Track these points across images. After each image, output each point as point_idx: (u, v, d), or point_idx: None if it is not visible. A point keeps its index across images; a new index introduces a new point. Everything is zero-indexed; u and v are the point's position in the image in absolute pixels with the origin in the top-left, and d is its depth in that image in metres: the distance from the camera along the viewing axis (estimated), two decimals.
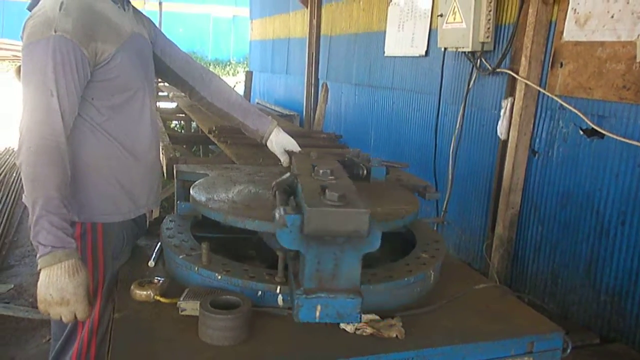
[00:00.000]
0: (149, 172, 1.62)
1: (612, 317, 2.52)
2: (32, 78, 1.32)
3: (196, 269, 1.32)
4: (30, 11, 1.39)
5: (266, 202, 1.53)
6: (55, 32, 1.30)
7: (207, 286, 1.29)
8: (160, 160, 1.76)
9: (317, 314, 1.08)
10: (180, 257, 1.38)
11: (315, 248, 1.05)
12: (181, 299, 1.23)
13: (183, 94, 1.92)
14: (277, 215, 1.07)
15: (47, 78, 1.30)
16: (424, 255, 1.44)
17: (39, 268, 1.28)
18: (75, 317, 1.31)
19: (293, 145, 1.85)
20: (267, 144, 1.88)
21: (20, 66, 1.37)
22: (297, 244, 1.06)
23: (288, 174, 1.36)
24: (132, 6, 1.61)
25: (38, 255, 1.29)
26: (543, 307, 2.85)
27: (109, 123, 1.46)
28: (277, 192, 1.30)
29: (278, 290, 1.23)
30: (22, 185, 1.33)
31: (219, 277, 1.28)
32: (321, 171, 1.31)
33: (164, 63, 1.74)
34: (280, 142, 1.86)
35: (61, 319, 1.31)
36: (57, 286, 1.26)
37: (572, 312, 2.73)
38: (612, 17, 2.42)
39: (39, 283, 1.29)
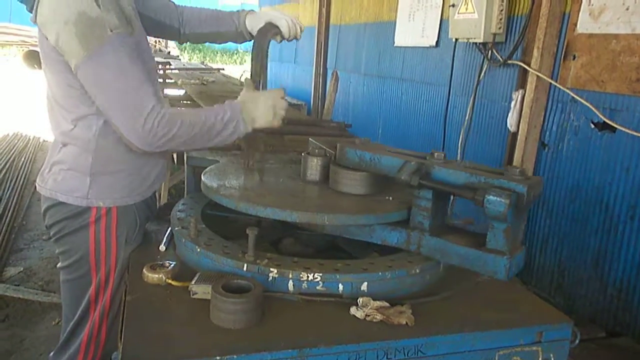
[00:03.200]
0: (162, 155, 1.61)
1: (619, 311, 2.52)
2: None
3: (183, 240, 1.38)
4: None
5: (276, 189, 1.53)
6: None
7: (217, 270, 1.30)
8: None
9: (511, 272, 1.22)
10: (176, 229, 1.43)
11: (515, 217, 1.19)
12: (193, 282, 1.24)
13: (174, 41, 1.89)
14: (493, 198, 1.17)
15: None
16: None
17: (254, 127, 1.49)
18: None
19: (275, 17, 1.68)
20: (249, 31, 1.72)
21: (28, 51, 1.37)
22: (510, 218, 1.17)
23: (413, 163, 1.31)
24: None
25: (243, 127, 1.47)
26: (549, 300, 2.85)
27: None
28: (421, 181, 1.29)
29: (245, 268, 1.26)
30: (30, 169, 1.34)
31: (199, 249, 1.33)
32: (435, 154, 1.36)
33: (151, 19, 1.70)
34: (259, 17, 1.70)
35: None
36: (271, 110, 1.50)
37: (578, 305, 2.73)
38: (627, 9, 2.40)
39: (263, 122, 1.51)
